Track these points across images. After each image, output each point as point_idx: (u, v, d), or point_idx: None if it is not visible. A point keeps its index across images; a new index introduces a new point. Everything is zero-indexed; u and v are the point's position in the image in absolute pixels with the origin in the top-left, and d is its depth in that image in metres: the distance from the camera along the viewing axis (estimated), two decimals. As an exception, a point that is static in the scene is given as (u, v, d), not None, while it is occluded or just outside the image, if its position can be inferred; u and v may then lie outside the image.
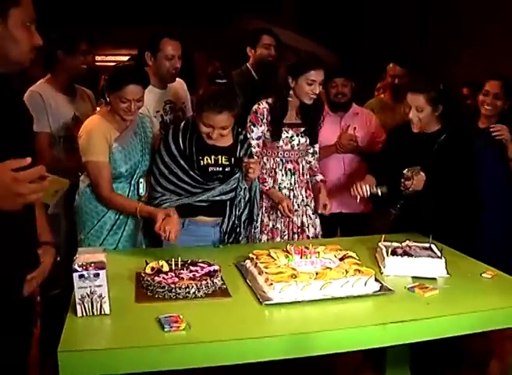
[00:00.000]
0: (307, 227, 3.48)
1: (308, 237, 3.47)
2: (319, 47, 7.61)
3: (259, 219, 3.40)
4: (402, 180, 3.18)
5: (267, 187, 3.37)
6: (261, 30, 4.41)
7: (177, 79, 3.66)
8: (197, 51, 8.70)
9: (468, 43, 6.25)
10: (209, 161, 2.97)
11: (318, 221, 3.56)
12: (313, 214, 3.53)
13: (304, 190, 3.51)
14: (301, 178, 3.49)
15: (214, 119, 2.81)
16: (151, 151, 3.10)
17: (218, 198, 3.00)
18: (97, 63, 10.53)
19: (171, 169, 2.94)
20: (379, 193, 3.15)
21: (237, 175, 3.03)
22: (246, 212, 3.11)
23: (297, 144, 3.42)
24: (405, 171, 3.16)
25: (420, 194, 3.19)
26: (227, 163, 3.01)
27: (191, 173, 2.94)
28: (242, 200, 3.06)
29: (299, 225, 3.46)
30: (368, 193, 3.14)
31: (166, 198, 2.94)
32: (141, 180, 3.06)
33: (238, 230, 3.10)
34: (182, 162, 2.93)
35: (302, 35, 8.22)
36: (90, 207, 3.01)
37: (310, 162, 3.58)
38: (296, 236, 3.44)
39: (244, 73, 4.29)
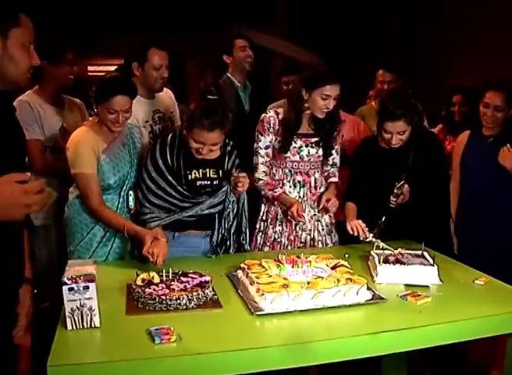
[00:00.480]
0: (318, 243, 3.39)
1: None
2: (310, 54, 7.64)
3: (262, 232, 3.39)
4: (393, 198, 3.18)
5: (277, 193, 3.28)
6: (232, 35, 4.47)
7: (164, 89, 3.64)
8: (189, 59, 8.71)
9: (457, 51, 6.27)
10: (197, 175, 2.93)
11: (330, 238, 3.46)
12: (322, 230, 3.43)
13: (315, 204, 3.39)
14: (313, 191, 3.37)
15: (205, 137, 2.76)
16: (140, 162, 3.07)
17: (206, 212, 2.97)
18: (89, 73, 10.58)
19: (158, 185, 2.90)
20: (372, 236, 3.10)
21: (225, 188, 2.99)
22: (234, 224, 3.07)
23: (307, 155, 3.31)
24: (395, 190, 3.17)
25: (405, 204, 3.20)
26: (215, 176, 2.97)
27: (179, 188, 2.90)
28: (230, 213, 3.02)
29: (302, 240, 3.37)
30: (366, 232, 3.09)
31: (155, 215, 2.90)
32: (130, 192, 3.02)
33: (228, 242, 3.06)
34: (169, 178, 2.89)
35: (293, 43, 8.25)
36: (79, 219, 2.98)
37: (328, 170, 3.45)
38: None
39: (226, 83, 4.31)
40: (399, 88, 4.17)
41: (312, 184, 3.38)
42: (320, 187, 3.41)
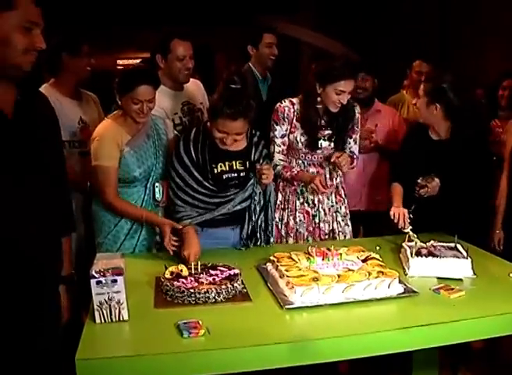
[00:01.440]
0: (338, 234, 3.38)
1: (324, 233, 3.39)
2: (337, 44, 7.56)
3: (282, 222, 3.36)
4: (416, 188, 3.11)
5: (295, 172, 3.26)
6: (263, 28, 4.36)
7: (193, 80, 3.61)
8: (219, 53, 8.69)
9: (491, 37, 6.14)
10: (223, 168, 2.91)
11: (348, 228, 3.45)
12: (342, 220, 3.41)
13: (333, 195, 3.38)
14: (329, 183, 3.34)
15: (229, 126, 2.74)
16: (166, 154, 3.05)
17: (238, 207, 2.95)
18: (118, 67, 10.62)
19: (186, 181, 2.88)
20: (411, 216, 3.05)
21: (252, 180, 2.97)
22: (262, 216, 3.03)
23: (319, 148, 3.28)
24: (419, 180, 3.10)
25: (436, 198, 3.13)
26: (242, 168, 2.95)
27: (205, 183, 2.87)
28: (257, 205, 2.99)
29: (325, 232, 3.36)
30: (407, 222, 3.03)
31: (187, 214, 2.89)
32: (157, 184, 3.00)
33: (257, 234, 3.03)
34: (195, 173, 2.87)
35: (320, 33, 8.18)
36: (106, 211, 2.97)
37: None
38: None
39: (247, 73, 4.18)
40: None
41: (327, 176, 3.35)
42: (336, 178, 3.40)
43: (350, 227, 3.47)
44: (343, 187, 3.47)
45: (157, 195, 3.01)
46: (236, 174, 2.94)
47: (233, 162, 2.93)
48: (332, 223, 3.38)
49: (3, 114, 1.95)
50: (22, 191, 2.01)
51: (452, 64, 6.32)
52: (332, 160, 3.22)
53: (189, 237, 2.73)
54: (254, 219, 3.01)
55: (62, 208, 2.29)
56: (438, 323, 2.06)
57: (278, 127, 3.27)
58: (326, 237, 3.36)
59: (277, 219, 3.35)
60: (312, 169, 3.32)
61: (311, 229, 3.36)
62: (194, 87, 3.65)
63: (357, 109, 3.41)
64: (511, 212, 3.47)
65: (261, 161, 3.00)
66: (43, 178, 2.09)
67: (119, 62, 11.04)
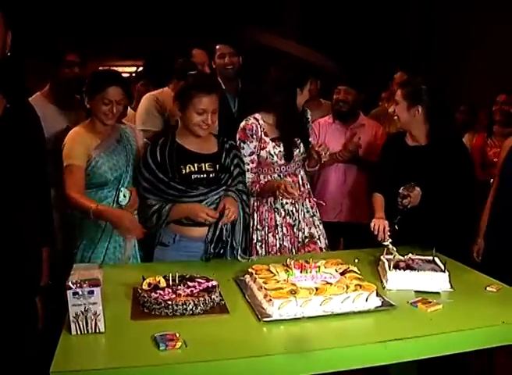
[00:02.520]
0: (319, 239, 3.40)
1: (321, 248, 3.41)
2: (322, 56, 7.59)
3: (261, 242, 3.35)
4: (399, 199, 3.13)
5: (263, 183, 3.28)
6: (216, 40, 4.16)
7: None
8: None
9: (475, 48, 6.22)
10: (192, 169, 2.95)
11: (324, 232, 3.48)
12: (320, 224, 3.45)
13: (307, 200, 3.42)
14: (302, 189, 3.38)
15: (206, 102, 2.83)
16: (136, 162, 3.09)
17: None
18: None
19: (153, 184, 2.92)
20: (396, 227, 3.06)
21: (223, 181, 3.00)
22: (228, 225, 3.00)
23: (293, 156, 3.32)
24: (401, 190, 3.11)
25: (418, 208, 3.13)
26: (211, 170, 2.99)
27: (172, 183, 2.90)
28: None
29: (300, 240, 3.36)
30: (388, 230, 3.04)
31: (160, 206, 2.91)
32: (122, 188, 3.00)
33: (224, 239, 3.00)
34: (161, 176, 2.90)
35: (305, 45, 8.21)
36: (80, 219, 2.97)
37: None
38: (303, 250, 3.34)
39: None
40: None
41: (300, 182, 3.40)
42: (306, 184, 3.45)
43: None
44: (311, 192, 3.54)
45: (120, 199, 3.00)
46: (205, 175, 2.97)
47: (203, 164, 2.98)
48: (310, 228, 3.39)
49: None
50: (4, 201, 2.01)
51: (436, 77, 6.38)
52: (316, 149, 3.25)
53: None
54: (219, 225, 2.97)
55: (42, 219, 2.29)
56: (414, 337, 2.06)
57: (246, 146, 3.26)
58: (299, 245, 3.36)
59: (255, 241, 3.33)
60: (289, 179, 3.33)
61: (293, 240, 3.35)
62: None
63: (308, 113, 3.51)
64: (492, 222, 3.48)
65: (232, 168, 3.05)
66: (22, 187, 2.09)
67: (101, 68, 11.05)
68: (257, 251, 3.33)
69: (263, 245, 3.33)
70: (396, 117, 3.29)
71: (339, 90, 4.13)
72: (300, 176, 3.41)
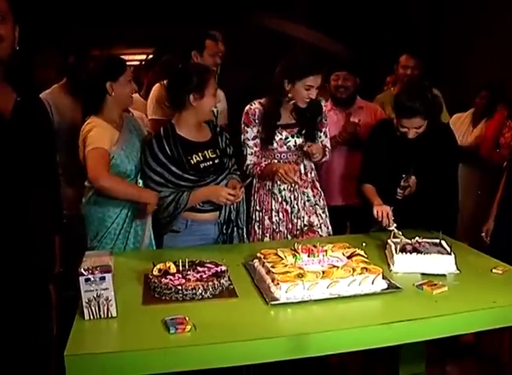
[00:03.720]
0: (320, 227, 3.43)
1: (322, 237, 3.42)
2: (331, 41, 7.57)
3: (259, 222, 3.41)
4: (400, 190, 3.15)
5: (263, 166, 3.33)
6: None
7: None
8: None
9: (483, 34, 6.17)
10: (198, 158, 3.03)
11: (328, 220, 3.50)
12: (323, 213, 3.47)
13: (309, 189, 3.44)
14: (304, 178, 3.41)
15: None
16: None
17: None
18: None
19: (165, 178, 2.95)
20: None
21: (226, 165, 3.11)
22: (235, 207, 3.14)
23: (294, 145, 3.35)
24: (402, 182, 3.15)
25: (413, 195, 3.17)
26: (214, 156, 3.08)
27: (185, 175, 2.96)
28: None
29: (298, 227, 3.39)
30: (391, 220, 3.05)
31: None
32: (139, 180, 3.07)
33: (235, 222, 3.13)
34: (173, 168, 2.95)
35: (314, 29, 8.17)
36: (101, 212, 2.99)
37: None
38: (300, 238, 3.36)
39: None
40: (414, 83, 4.11)
41: (303, 171, 3.41)
42: (311, 173, 3.47)
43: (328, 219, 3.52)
44: (318, 181, 3.53)
45: None
46: (210, 162, 3.06)
47: (205, 152, 3.06)
48: (310, 217, 3.42)
49: (0, 114, 2.01)
50: (16, 191, 2.06)
51: (444, 63, 6.36)
52: (304, 149, 3.29)
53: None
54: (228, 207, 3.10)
55: (53, 208, 2.35)
56: (419, 318, 2.10)
57: (249, 129, 3.33)
58: (297, 232, 3.39)
59: (253, 221, 3.41)
60: None
61: (290, 226, 3.40)
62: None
63: (323, 103, 3.50)
64: (503, 204, 3.50)
65: (228, 149, 3.16)
66: (34, 177, 2.15)
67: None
68: (255, 231, 3.40)
69: (260, 226, 3.40)
70: (414, 136, 3.21)
71: (337, 76, 4.10)
72: (302, 165, 3.42)
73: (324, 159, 3.49)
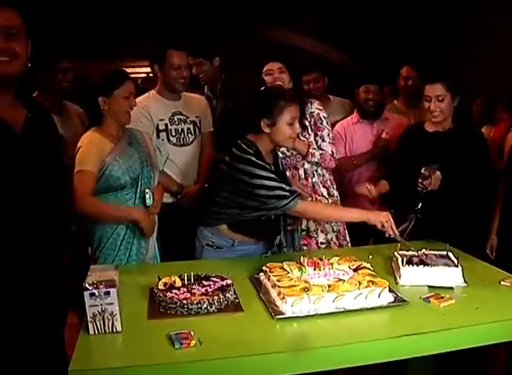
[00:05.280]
0: (316, 233, 3.43)
1: (318, 242, 3.44)
2: (337, 52, 7.58)
3: None
4: (420, 180, 3.15)
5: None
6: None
7: (198, 96, 3.80)
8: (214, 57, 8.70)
9: (489, 45, 6.17)
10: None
11: (334, 227, 3.49)
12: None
13: (310, 191, 3.41)
14: (304, 182, 3.42)
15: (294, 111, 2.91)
16: (151, 162, 3.18)
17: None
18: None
19: (274, 179, 2.81)
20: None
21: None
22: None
23: (288, 150, 3.38)
24: (422, 170, 3.13)
25: (438, 195, 3.15)
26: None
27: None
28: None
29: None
30: (374, 193, 3.05)
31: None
32: (147, 190, 3.07)
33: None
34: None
35: (320, 40, 8.19)
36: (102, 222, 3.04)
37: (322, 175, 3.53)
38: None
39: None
40: None
41: (302, 175, 3.43)
42: (311, 178, 3.46)
43: (337, 226, 3.52)
44: (324, 187, 3.52)
45: (147, 202, 3.07)
46: None
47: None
48: (308, 222, 3.42)
49: (11, 129, 2.02)
50: (28, 205, 2.08)
51: (450, 74, 6.35)
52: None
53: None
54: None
55: (63, 223, 2.36)
56: (426, 332, 2.08)
57: None
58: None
59: None
60: (288, 173, 3.37)
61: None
62: (195, 101, 3.79)
63: (314, 105, 3.49)
64: (505, 219, 3.47)
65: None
66: (46, 192, 2.16)
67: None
68: None
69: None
70: (438, 113, 3.29)
71: (367, 89, 4.07)
72: (301, 170, 3.44)
73: (326, 165, 3.47)
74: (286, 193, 2.77)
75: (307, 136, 3.46)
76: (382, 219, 2.75)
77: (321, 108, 3.53)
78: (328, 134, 3.52)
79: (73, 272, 2.48)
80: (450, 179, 3.16)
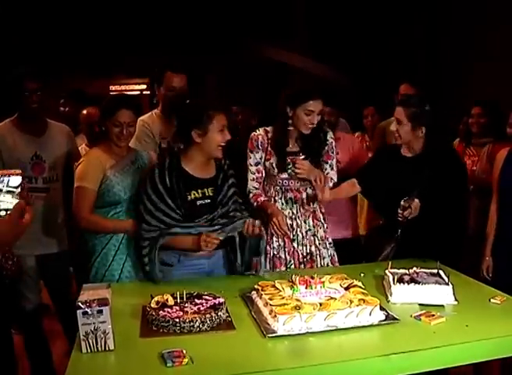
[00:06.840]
0: (316, 257, 3.43)
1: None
2: (331, 70, 7.65)
3: None
4: (400, 211, 3.16)
5: (260, 201, 3.34)
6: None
7: None
8: (209, 75, 8.76)
9: (481, 57, 6.24)
10: (196, 195, 2.99)
11: (328, 251, 3.48)
12: (320, 244, 3.46)
13: (310, 219, 3.44)
14: (306, 207, 3.43)
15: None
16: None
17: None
18: (111, 93, 10.74)
19: (156, 206, 2.91)
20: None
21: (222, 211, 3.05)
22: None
23: (295, 173, 3.34)
24: (402, 202, 3.14)
25: (418, 219, 3.17)
26: (213, 194, 3.04)
27: (178, 211, 2.93)
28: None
29: (304, 254, 3.40)
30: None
31: (151, 236, 2.93)
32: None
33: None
34: (169, 201, 2.92)
35: (313, 59, 8.27)
36: (94, 236, 3.12)
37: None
38: (302, 266, 3.39)
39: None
40: None
41: (304, 200, 3.43)
42: (313, 203, 3.45)
43: (331, 251, 3.50)
44: (321, 212, 3.52)
45: None
46: (208, 200, 3.02)
47: (205, 190, 3.03)
48: (310, 246, 3.43)
49: None
50: None
51: (440, 90, 6.41)
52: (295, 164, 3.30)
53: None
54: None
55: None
56: (417, 350, 2.10)
57: (252, 155, 3.40)
58: (304, 259, 3.41)
59: None
60: (290, 194, 3.41)
61: (291, 253, 3.40)
62: None
63: (330, 134, 3.51)
64: (500, 239, 3.48)
65: (226, 188, 3.09)
66: None
67: (112, 87, 11.17)
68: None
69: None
70: (397, 135, 3.32)
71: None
72: (304, 194, 3.42)
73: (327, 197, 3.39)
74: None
75: (326, 165, 3.49)
76: None
77: (334, 138, 3.57)
78: (336, 163, 3.58)
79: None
80: (428, 204, 3.17)
